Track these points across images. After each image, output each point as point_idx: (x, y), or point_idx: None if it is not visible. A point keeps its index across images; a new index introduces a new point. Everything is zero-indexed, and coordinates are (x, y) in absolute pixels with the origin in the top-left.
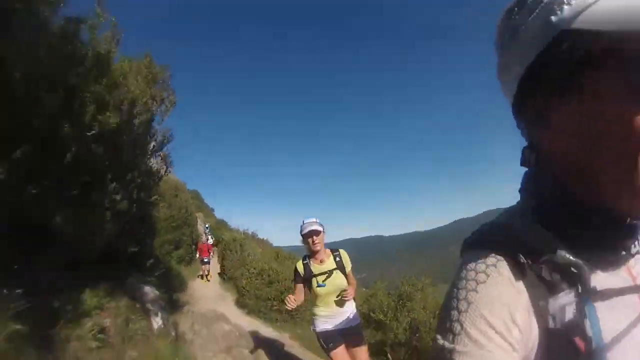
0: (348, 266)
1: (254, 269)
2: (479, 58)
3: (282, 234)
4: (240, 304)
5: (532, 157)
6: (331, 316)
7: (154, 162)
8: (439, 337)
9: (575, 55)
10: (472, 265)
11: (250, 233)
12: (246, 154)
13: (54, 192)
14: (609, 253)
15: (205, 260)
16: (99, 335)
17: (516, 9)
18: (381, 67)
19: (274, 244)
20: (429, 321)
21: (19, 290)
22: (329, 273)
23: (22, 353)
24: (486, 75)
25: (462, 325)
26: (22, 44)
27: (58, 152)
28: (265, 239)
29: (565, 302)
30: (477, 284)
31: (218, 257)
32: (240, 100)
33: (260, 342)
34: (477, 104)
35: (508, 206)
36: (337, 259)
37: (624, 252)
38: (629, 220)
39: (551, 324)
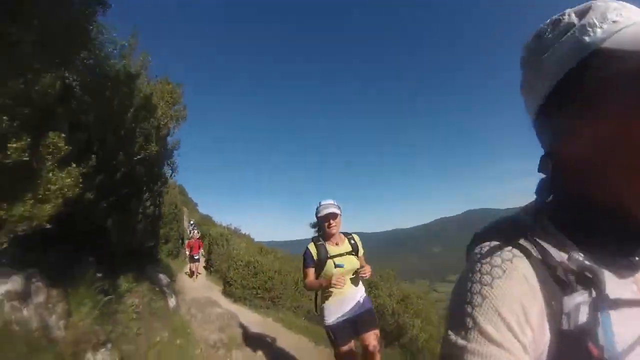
0: (361, 251)
1: (241, 261)
2: (468, 58)
3: (261, 230)
4: (227, 293)
5: (549, 164)
6: (342, 302)
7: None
8: (450, 332)
9: (605, 73)
10: (487, 258)
11: (233, 229)
12: (227, 151)
13: (108, 203)
14: (623, 258)
15: (196, 257)
16: (136, 310)
17: (548, 30)
18: (364, 60)
19: (255, 240)
20: (392, 306)
21: (99, 274)
22: (346, 255)
23: (102, 316)
24: (474, 78)
25: (475, 321)
26: (94, 87)
27: (112, 173)
28: (247, 234)
29: (580, 300)
30: (493, 278)
31: (203, 251)
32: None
33: (248, 323)
34: (465, 107)
35: (491, 206)
36: (352, 241)
37: (637, 258)
38: None
39: (565, 325)
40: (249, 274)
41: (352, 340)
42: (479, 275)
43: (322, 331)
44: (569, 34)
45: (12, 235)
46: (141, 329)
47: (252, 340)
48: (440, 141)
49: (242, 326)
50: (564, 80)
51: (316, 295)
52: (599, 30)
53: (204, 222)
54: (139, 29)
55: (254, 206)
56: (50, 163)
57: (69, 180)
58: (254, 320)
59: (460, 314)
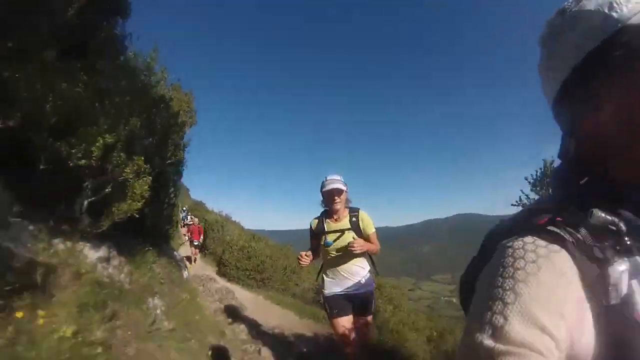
0: (370, 229)
1: (236, 245)
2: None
3: (251, 218)
4: (222, 273)
5: (572, 144)
6: (340, 278)
7: None
8: (476, 331)
9: (631, 48)
10: (520, 252)
11: (225, 215)
12: (218, 134)
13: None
14: None
15: (196, 243)
16: (162, 277)
17: (573, 5)
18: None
19: (245, 227)
20: None
21: (150, 248)
22: (341, 232)
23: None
24: (476, 77)
25: (506, 319)
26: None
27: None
28: (238, 221)
29: (622, 268)
30: (528, 274)
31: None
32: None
33: (242, 298)
34: (464, 112)
35: (481, 212)
36: (354, 219)
37: None
38: None
39: (613, 298)
40: (243, 257)
41: (348, 313)
42: (512, 271)
43: (306, 307)
44: (595, 8)
45: (112, 221)
46: (168, 290)
47: (246, 310)
48: (433, 144)
49: (237, 300)
50: (591, 54)
51: (319, 268)
52: (624, 8)
53: (197, 207)
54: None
55: (243, 194)
56: (134, 175)
57: (146, 186)
58: (247, 296)
59: (489, 310)
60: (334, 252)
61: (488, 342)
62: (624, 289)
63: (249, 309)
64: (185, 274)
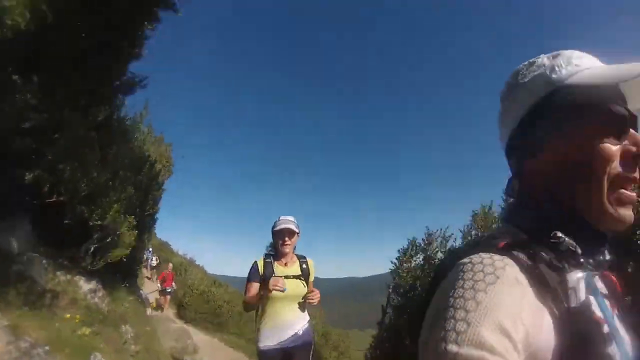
0: (312, 276)
1: (197, 290)
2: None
3: (214, 261)
4: (180, 315)
5: (515, 184)
6: (279, 328)
7: None
8: (439, 339)
9: (566, 102)
10: (479, 266)
11: (189, 258)
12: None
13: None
14: (589, 258)
15: (168, 290)
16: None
17: (525, 68)
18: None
19: (208, 272)
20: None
21: (126, 285)
22: (295, 279)
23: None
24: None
25: (469, 325)
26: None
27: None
28: (201, 265)
29: (579, 275)
30: (487, 284)
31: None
32: None
33: (197, 339)
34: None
35: None
36: (304, 266)
37: (600, 257)
38: (599, 230)
39: (573, 301)
40: (202, 301)
41: None
42: (472, 283)
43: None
44: (540, 71)
45: (105, 262)
46: (135, 322)
47: (199, 351)
48: (399, 193)
49: (192, 340)
50: (535, 107)
51: (256, 314)
52: (564, 71)
53: (162, 248)
54: None
55: (210, 238)
56: (126, 229)
57: (133, 237)
58: (202, 337)
59: (451, 319)
60: (283, 300)
61: (452, 347)
62: (582, 296)
63: (202, 349)
64: (148, 311)
